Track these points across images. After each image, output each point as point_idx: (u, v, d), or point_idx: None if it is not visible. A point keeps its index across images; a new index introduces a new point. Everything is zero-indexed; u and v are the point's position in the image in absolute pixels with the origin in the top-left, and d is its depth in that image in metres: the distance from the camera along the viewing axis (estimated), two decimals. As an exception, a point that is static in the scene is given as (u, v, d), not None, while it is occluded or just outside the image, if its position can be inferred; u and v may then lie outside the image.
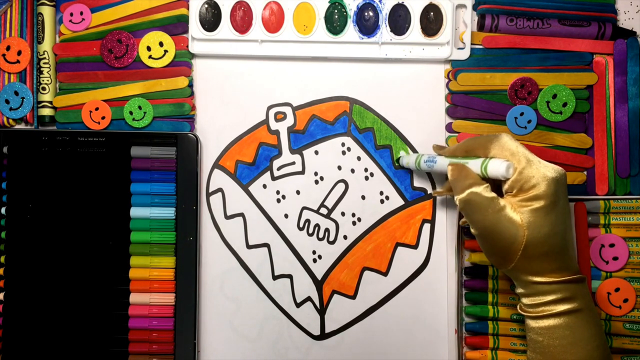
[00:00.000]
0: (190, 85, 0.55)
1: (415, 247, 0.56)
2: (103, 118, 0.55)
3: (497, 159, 0.43)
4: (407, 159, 0.53)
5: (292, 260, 0.56)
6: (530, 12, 0.54)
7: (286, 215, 0.56)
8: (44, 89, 0.55)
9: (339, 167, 0.56)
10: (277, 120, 0.56)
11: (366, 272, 0.56)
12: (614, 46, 0.54)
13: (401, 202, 0.56)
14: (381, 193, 0.56)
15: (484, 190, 0.42)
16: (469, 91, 0.55)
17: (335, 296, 0.55)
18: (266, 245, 0.56)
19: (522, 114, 0.54)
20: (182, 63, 0.55)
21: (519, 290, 0.43)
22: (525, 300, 0.43)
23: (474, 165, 0.44)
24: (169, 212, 0.54)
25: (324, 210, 0.56)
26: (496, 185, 0.44)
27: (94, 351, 0.54)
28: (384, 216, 0.56)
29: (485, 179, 0.43)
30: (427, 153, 0.51)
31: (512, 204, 0.41)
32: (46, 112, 0.55)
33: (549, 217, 0.40)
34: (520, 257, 0.41)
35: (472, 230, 0.44)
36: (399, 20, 0.54)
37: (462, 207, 0.44)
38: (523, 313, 0.43)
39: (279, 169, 0.56)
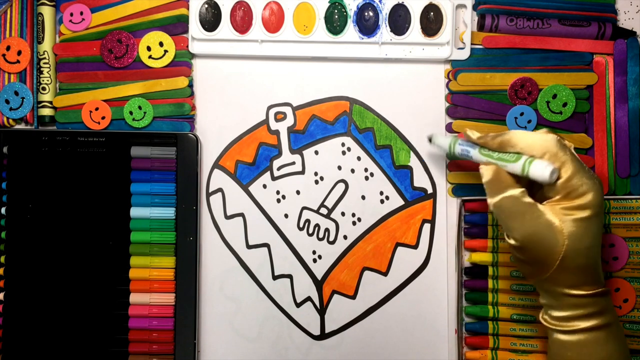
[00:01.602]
0: (190, 85, 0.55)
1: (415, 247, 0.56)
2: (103, 118, 0.55)
3: (541, 160, 0.40)
4: (440, 141, 0.49)
5: (292, 260, 0.56)
6: (530, 12, 0.54)
7: (286, 215, 0.56)
8: (44, 89, 0.55)
9: (339, 167, 0.56)
10: (277, 120, 0.56)
11: (366, 272, 0.56)
12: (614, 46, 0.54)
13: (401, 202, 0.56)
14: (381, 193, 0.56)
15: (522, 195, 0.40)
16: (469, 91, 0.55)
17: (335, 296, 0.56)
18: (266, 245, 0.56)
19: (522, 114, 0.54)
20: (182, 63, 0.55)
21: (546, 301, 0.41)
22: (554, 313, 0.41)
23: (515, 167, 0.41)
24: (169, 212, 0.54)
25: (324, 210, 0.56)
26: (529, 186, 0.42)
27: (94, 351, 0.54)
28: (384, 216, 0.56)
29: (520, 178, 0.41)
30: (461, 140, 0.47)
31: (553, 211, 0.39)
32: (46, 112, 0.55)
33: (592, 229, 0.39)
34: (556, 268, 0.39)
35: (508, 240, 0.41)
36: (399, 20, 0.54)
37: (496, 212, 0.41)
38: (550, 326, 0.41)
39: (279, 169, 0.56)
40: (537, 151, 0.40)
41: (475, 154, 0.45)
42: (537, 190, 0.42)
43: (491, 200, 0.41)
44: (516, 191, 0.40)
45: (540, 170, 0.39)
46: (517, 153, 0.41)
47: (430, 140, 0.51)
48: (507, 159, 0.42)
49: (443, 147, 0.49)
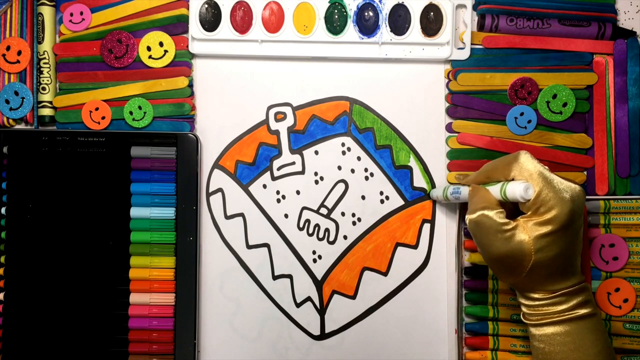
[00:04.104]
0: (190, 85, 0.55)
1: (415, 247, 0.56)
2: (103, 118, 0.55)
3: (516, 181, 0.42)
4: (436, 192, 0.54)
5: (292, 260, 0.56)
6: (530, 12, 0.54)
7: (286, 215, 0.56)
8: (44, 89, 0.55)
9: (339, 167, 0.56)
10: (277, 120, 0.56)
11: (366, 272, 0.56)
12: (614, 46, 0.54)
13: (401, 202, 0.56)
14: (381, 193, 0.56)
15: (496, 215, 0.41)
16: (469, 91, 0.55)
17: (335, 296, 0.55)
18: (266, 245, 0.56)
19: (522, 114, 0.54)
20: (182, 63, 0.55)
21: (520, 300, 0.44)
22: (525, 309, 0.43)
23: (494, 189, 0.43)
24: (169, 212, 0.54)
25: (324, 210, 0.56)
26: (515, 210, 0.44)
27: (94, 351, 0.54)
28: (384, 216, 0.56)
29: (507, 202, 0.43)
30: (454, 184, 0.51)
31: (524, 227, 0.41)
32: (46, 112, 0.55)
33: (559, 242, 0.40)
34: (524, 277, 0.41)
35: (480, 251, 0.43)
36: (399, 20, 0.54)
37: (472, 227, 0.43)
38: (525, 321, 0.43)
39: (279, 169, 0.56)
40: (511, 172, 0.43)
41: (464, 190, 0.48)
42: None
43: (469, 216, 0.43)
44: (493, 211, 0.42)
45: (515, 190, 0.41)
46: (500, 181, 0.44)
47: (428, 195, 0.56)
48: (490, 184, 0.44)
49: (439, 196, 0.53)
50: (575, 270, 0.42)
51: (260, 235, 0.56)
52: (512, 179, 0.43)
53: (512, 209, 0.44)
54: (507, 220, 0.41)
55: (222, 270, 0.56)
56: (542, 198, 0.40)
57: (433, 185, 0.56)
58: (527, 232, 0.40)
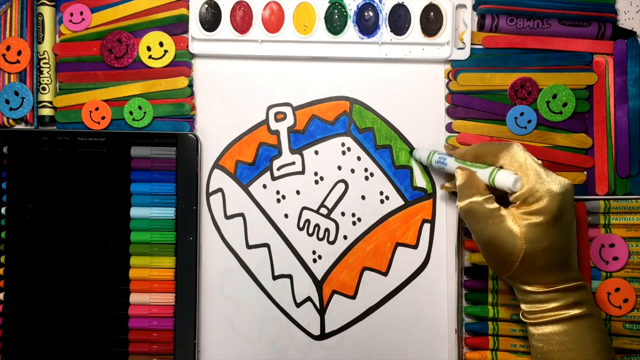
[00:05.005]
0: (190, 85, 0.55)
1: (415, 247, 0.56)
2: (103, 118, 0.55)
3: (506, 170, 0.43)
4: (420, 154, 0.54)
5: (292, 260, 0.56)
6: (530, 12, 0.54)
7: (286, 215, 0.56)
8: (44, 89, 0.55)
9: (339, 167, 0.56)
10: (277, 120, 0.56)
11: (366, 272, 0.56)
12: (614, 46, 0.54)
13: (401, 202, 0.56)
14: (381, 193, 0.56)
15: (486, 202, 0.43)
16: (469, 91, 0.55)
17: (335, 296, 0.55)
18: (266, 245, 0.56)
19: (522, 114, 0.54)
20: (182, 63, 0.55)
21: (518, 296, 0.44)
22: (524, 307, 0.43)
23: (483, 173, 0.44)
24: (169, 212, 0.54)
25: (324, 210, 0.56)
26: (503, 194, 0.44)
27: (94, 351, 0.54)
28: (384, 216, 0.56)
29: (493, 188, 0.43)
30: (439, 151, 0.52)
31: (514, 216, 0.41)
32: (46, 112, 0.55)
33: (549, 233, 0.41)
34: (517, 269, 0.42)
35: (473, 237, 0.44)
36: (399, 20, 0.54)
37: (463, 215, 0.44)
38: (523, 319, 0.44)
39: (279, 169, 0.56)
40: (500, 160, 0.43)
41: (450, 161, 0.49)
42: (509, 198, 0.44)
43: (459, 204, 0.44)
44: (482, 197, 0.43)
45: (504, 180, 0.42)
46: (487, 165, 0.44)
47: (411, 153, 0.55)
48: (478, 166, 0.45)
49: (422, 158, 0.53)
50: (572, 267, 0.42)
51: (260, 235, 0.56)
52: (501, 167, 0.43)
53: (500, 193, 0.44)
54: (497, 206, 0.42)
55: (222, 270, 0.56)
56: (531, 188, 0.41)
57: (433, 186, 0.56)
58: (516, 220, 0.41)
